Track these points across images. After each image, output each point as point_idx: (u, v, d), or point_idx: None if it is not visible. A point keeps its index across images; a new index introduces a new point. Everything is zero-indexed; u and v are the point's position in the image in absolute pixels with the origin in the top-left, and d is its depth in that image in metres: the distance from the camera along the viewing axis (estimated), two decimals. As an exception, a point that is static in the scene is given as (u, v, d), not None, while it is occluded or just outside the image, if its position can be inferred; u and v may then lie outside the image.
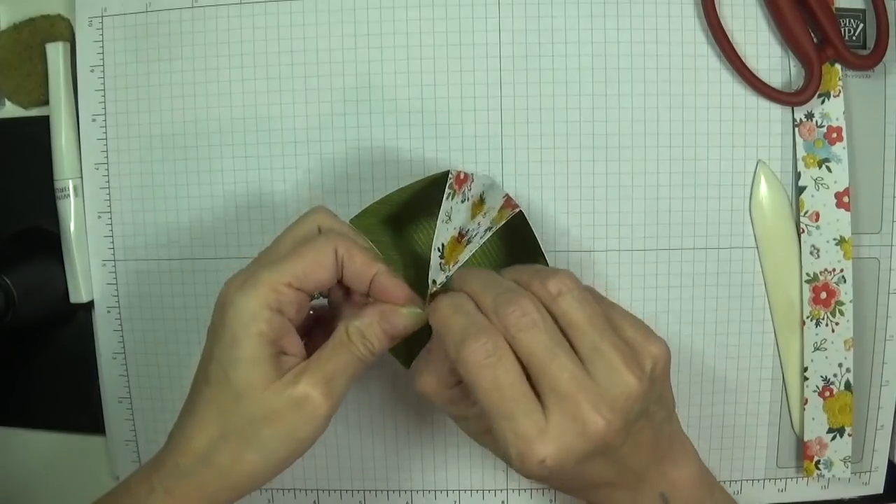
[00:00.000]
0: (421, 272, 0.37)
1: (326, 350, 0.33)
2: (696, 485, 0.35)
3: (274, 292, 0.32)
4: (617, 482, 0.33)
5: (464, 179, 0.38)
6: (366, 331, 0.33)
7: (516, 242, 0.39)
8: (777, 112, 0.43)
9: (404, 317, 0.34)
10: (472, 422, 0.35)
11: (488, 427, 0.32)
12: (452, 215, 0.37)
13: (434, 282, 0.35)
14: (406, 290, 0.34)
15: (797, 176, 0.43)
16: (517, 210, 0.36)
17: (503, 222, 0.36)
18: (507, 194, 0.38)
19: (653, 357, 0.32)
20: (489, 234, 0.35)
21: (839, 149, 0.42)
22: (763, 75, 0.42)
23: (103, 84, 0.45)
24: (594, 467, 0.32)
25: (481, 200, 0.38)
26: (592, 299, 0.32)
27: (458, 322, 0.31)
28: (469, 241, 0.36)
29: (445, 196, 0.37)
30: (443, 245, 0.36)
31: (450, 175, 0.38)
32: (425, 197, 0.40)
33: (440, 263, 0.36)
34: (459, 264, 0.35)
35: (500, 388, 0.30)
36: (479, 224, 0.37)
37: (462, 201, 0.38)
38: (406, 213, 0.41)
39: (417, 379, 0.35)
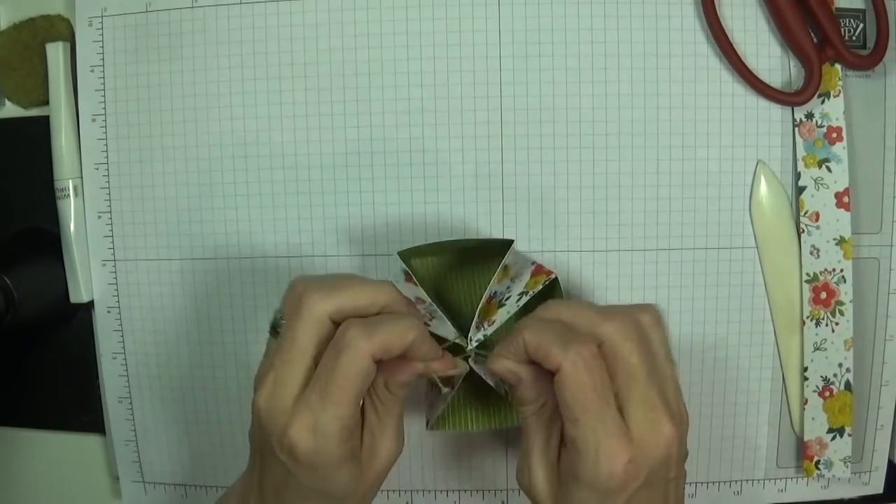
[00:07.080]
0: (456, 324, 0.37)
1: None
2: None
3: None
4: None
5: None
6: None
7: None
8: (777, 112, 0.43)
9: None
10: None
11: None
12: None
13: (470, 339, 0.36)
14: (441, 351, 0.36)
15: (797, 176, 0.43)
16: (553, 276, 0.37)
17: (539, 287, 0.36)
18: (534, 261, 0.39)
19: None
20: (525, 298, 0.36)
21: (839, 149, 0.42)
22: (763, 75, 0.42)
23: (103, 84, 0.45)
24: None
25: (505, 266, 0.39)
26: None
27: (556, 330, 0.33)
28: (501, 304, 0.37)
29: (501, 266, 0.37)
30: (479, 309, 0.37)
31: (513, 246, 0.38)
32: (481, 256, 0.41)
33: (476, 323, 0.36)
34: (496, 325, 0.36)
35: (598, 390, 0.31)
36: (508, 288, 0.37)
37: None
38: (453, 267, 0.42)
39: (525, 475, 0.35)
